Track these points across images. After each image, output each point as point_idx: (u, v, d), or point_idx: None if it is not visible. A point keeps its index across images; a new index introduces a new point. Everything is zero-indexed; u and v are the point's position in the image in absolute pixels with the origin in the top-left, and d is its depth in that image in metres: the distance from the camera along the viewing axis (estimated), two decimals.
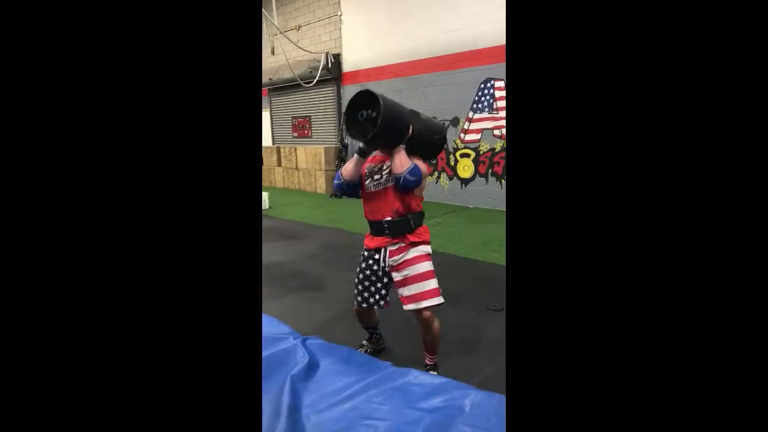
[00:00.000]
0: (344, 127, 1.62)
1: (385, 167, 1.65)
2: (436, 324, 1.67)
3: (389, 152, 1.62)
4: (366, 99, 1.55)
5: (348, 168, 1.66)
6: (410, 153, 1.63)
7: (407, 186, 1.57)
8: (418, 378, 1.54)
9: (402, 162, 1.55)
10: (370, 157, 1.70)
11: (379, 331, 1.96)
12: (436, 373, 1.73)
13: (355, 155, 1.65)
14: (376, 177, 1.66)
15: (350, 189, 1.68)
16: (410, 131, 1.61)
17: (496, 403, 1.36)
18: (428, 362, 1.76)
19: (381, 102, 1.46)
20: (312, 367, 1.61)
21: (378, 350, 1.95)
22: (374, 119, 1.51)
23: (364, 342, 1.95)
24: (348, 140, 6.76)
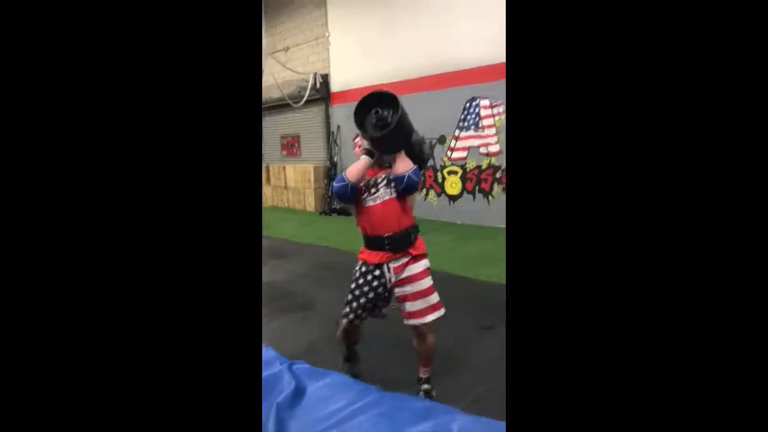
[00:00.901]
0: (354, 119, 1.63)
1: (380, 180, 1.66)
2: (431, 335, 1.71)
3: (382, 164, 1.66)
4: (380, 99, 1.60)
5: (354, 170, 1.62)
6: None
7: (411, 185, 1.60)
8: (406, 402, 1.52)
9: (406, 163, 1.61)
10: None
11: (357, 352, 1.90)
12: (429, 386, 1.73)
13: (363, 157, 1.63)
14: (372, 191, 1.66)
15: (353, 193, 1.63)
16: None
17: (483, 427, 1.35)
18: (422, 375, 1.75)
19: (400, 103, 1.55)
20: (298, 394, 1.58)
21: (355, 374, 1.85)
22: (384, 119, 1.57)
23: (340, 366, 1.88)
24: (337, 158, 6.80)
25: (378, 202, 1.65)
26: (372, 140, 1.61)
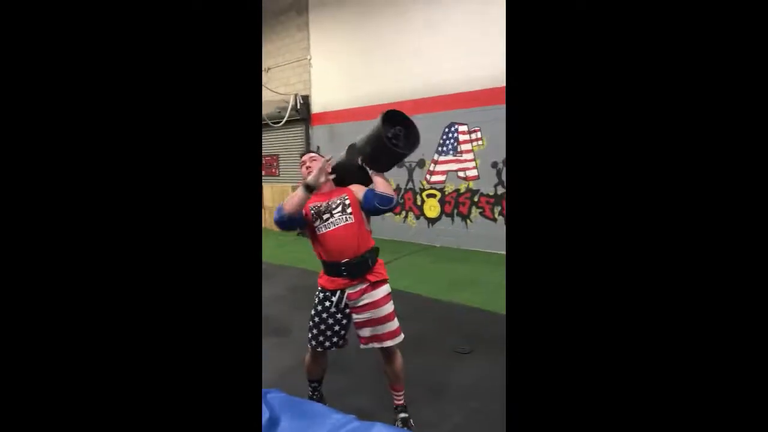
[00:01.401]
0: (380, 122, 1.58)
1: (333, 205, 1.62)
2: (399, 355, 1.69)
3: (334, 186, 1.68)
4: (403, 122, 1.64)
5: (292, 201, 1.56)
6: (354, 180, 1.71)
7: (391, 204, 1.62)
8: None
9: (388, 185, 1.64)
10: (314, 195, 1.63)
11: (321, 390, 1.83)
12: (406, 415, 1.70)
13: (301, 189, 1.56)
14: (325, 216, 1.62)
15: (291, 223, 1.60)
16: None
17: None
18: (397, 402, 1.72)
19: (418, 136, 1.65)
20: (272, 425, 1.52)
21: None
22: (398, 137, 1.62)
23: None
24: None
25: (331, 228, 1.60)
26: (385, 149, 1.59)
